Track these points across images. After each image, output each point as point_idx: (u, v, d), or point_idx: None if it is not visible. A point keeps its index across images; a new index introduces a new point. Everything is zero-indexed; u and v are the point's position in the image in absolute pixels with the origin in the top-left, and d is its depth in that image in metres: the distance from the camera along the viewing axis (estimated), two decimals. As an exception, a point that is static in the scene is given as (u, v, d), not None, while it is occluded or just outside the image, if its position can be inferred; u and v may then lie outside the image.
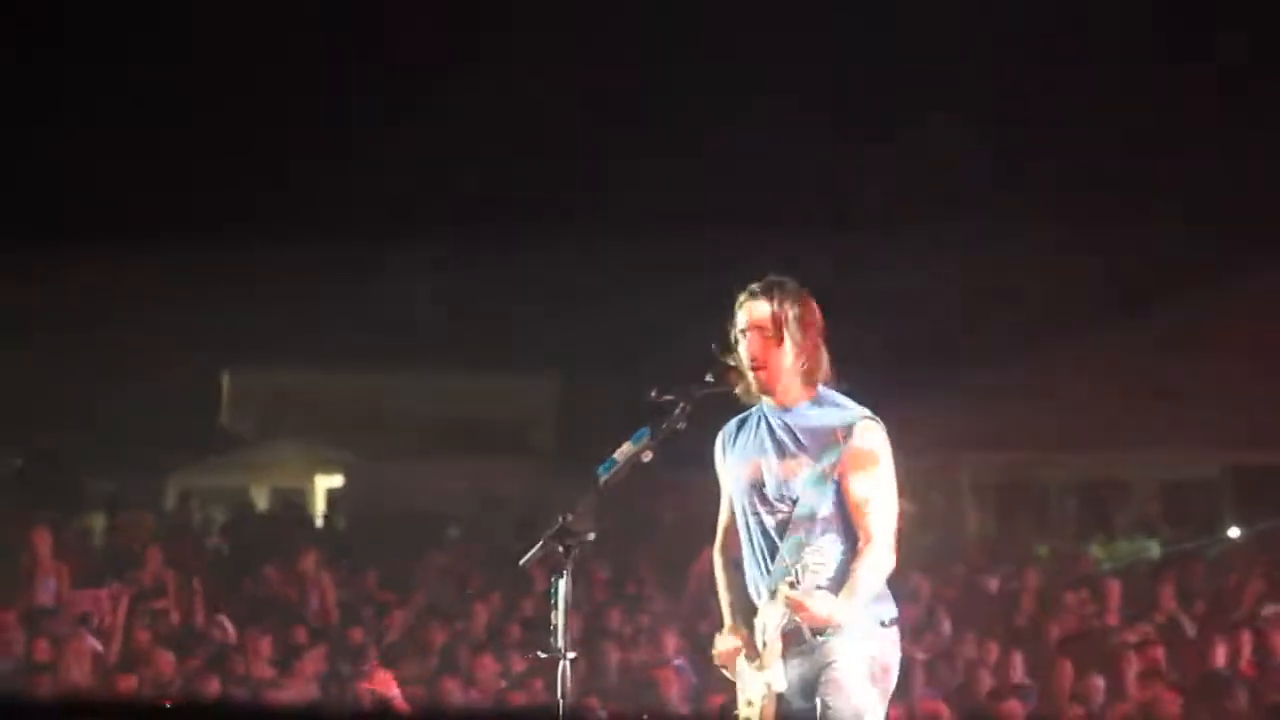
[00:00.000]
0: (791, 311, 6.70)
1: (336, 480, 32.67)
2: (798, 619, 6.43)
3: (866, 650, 6.59)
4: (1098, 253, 29.21)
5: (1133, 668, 14.31)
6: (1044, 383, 25.86)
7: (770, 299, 6.71)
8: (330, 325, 32.76)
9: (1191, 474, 27.54)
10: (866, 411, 6.67)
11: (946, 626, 16.54)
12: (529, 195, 32.90)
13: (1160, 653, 14.89)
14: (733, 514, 6.91)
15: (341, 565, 19.92)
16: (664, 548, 19.47)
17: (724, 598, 6.92)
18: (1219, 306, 25.69)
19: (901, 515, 6.71)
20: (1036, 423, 25.40)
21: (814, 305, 6.78)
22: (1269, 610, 16.82)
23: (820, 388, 6.74)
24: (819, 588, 6.39)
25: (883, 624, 6.65)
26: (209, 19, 30.87)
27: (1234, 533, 22.88)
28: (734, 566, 6.90)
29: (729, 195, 30.59)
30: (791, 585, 6.37)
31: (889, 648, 6.67)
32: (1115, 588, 18.02)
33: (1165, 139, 28.46)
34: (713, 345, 6.80)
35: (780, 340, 6.68)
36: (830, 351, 6.80)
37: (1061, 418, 25.16)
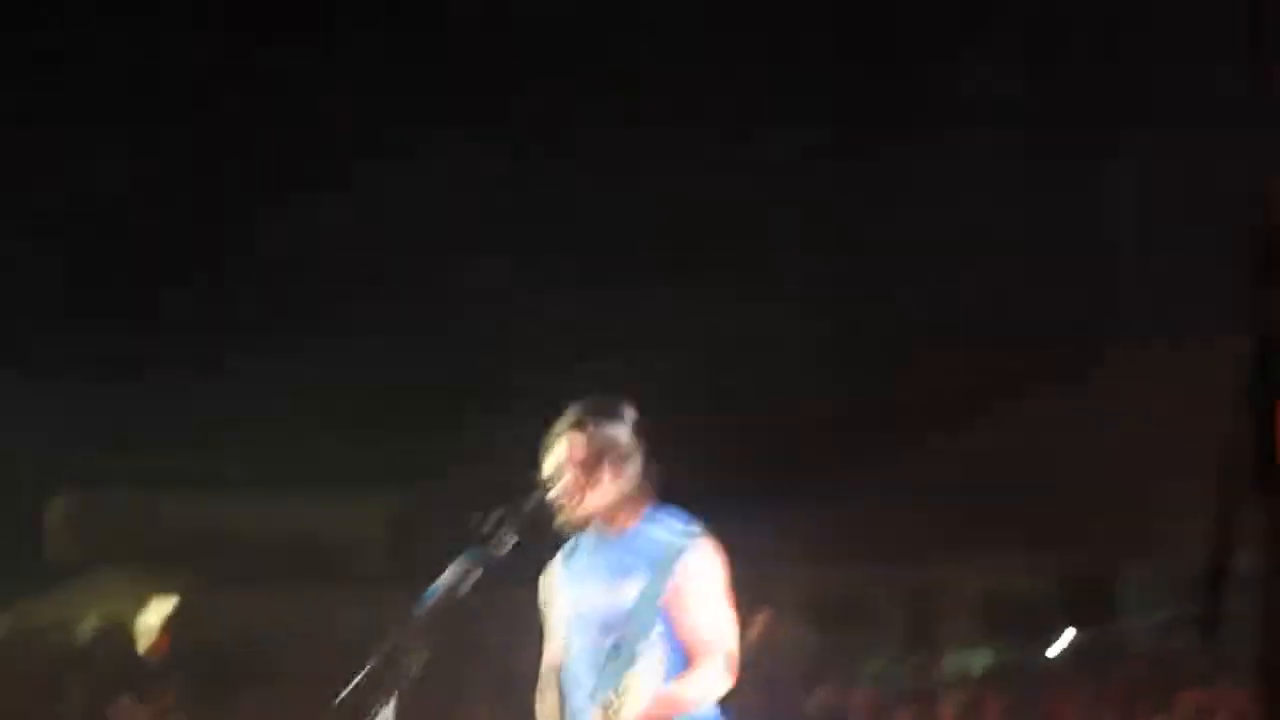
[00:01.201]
0: (610, 437, 6.68)
1: (168, 607, 32.15)
2: None
3: None
4: (913, 369, 29.55)
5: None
6: (865, 493, 26.03)
7: (583, 430, 6.68)
8: (160, 445, 32.37)
9: (1016, 585, 27.79)
10: (698, 529, 6.65)
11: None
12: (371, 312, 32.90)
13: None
14: (551, 647, 6.86)
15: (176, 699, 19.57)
16: (495, 674, 19.40)
17: None
18: (1036, 419, 26.06)
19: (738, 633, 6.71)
20: (860, 535, 25.54)
21: (634, 424, 6.75)
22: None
23: (648, 508, 6.72)
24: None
25: None
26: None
27: (1059, 645, 23.13)
28: (560, 700, 6.85)
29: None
30: (607, 711, 6.36)
31: None
32: (947, 703, 18.15)
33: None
34: (532, 471, 6.78)
35: (600, 472, 6.66)
36: (656, 466, 6.77)
37: (883, 527, 25.31)
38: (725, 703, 6.65)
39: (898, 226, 29.41)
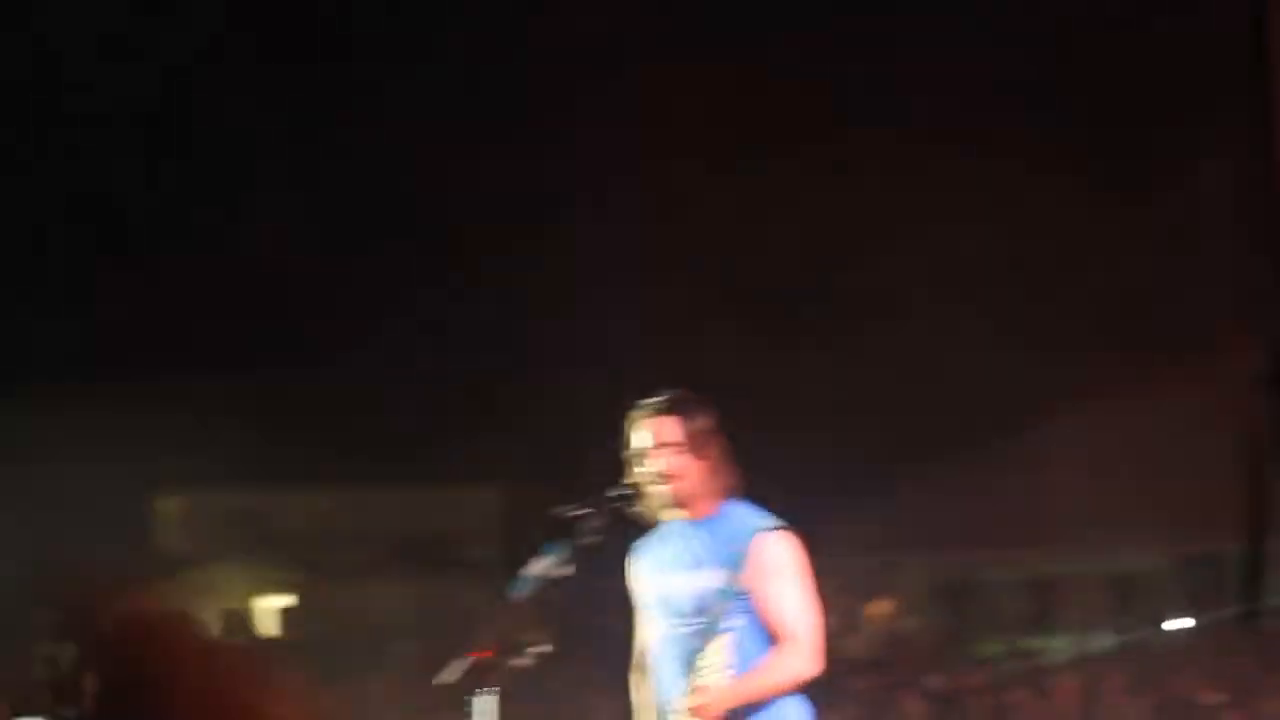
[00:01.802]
0: (699, 425, 6.73)
1: (287, 600, 32.52)
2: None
3: None
4: (1034, 348, 29.45)
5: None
6: (984, 481, 25.94)
7: (675, 413, 6.74)
8: (277, 445, 32.72)
9: (1137, 566, 27.59)
10: (774, 521, 6.68)
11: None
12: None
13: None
14: (643, 631, 6.90)
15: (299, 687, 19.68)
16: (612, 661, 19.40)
17: (644, 717, 6.88)
18: (1156, 399, 25.84)
19: (826, 621, 6.69)
20: (979, 521, 25.44)
21: (716, 419, 6.80)
22: (1210, 699, 16.87)
23: (727, 500, 6.75)
24: None
25: None
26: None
27: (1179, 624, 22.91)
28: (649, 685, 6.87)
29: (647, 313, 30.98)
30: (692, 694, 6.38)
31: None
32: (1065, 681, 18.04)
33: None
34: (622, 458, 6.81)
35: (690, 454, 6.70)
36: (735, 463, 6.81)
37: (1005, 514, 25.21)
38: (813, 686, 6.67)
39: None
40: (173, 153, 33.87)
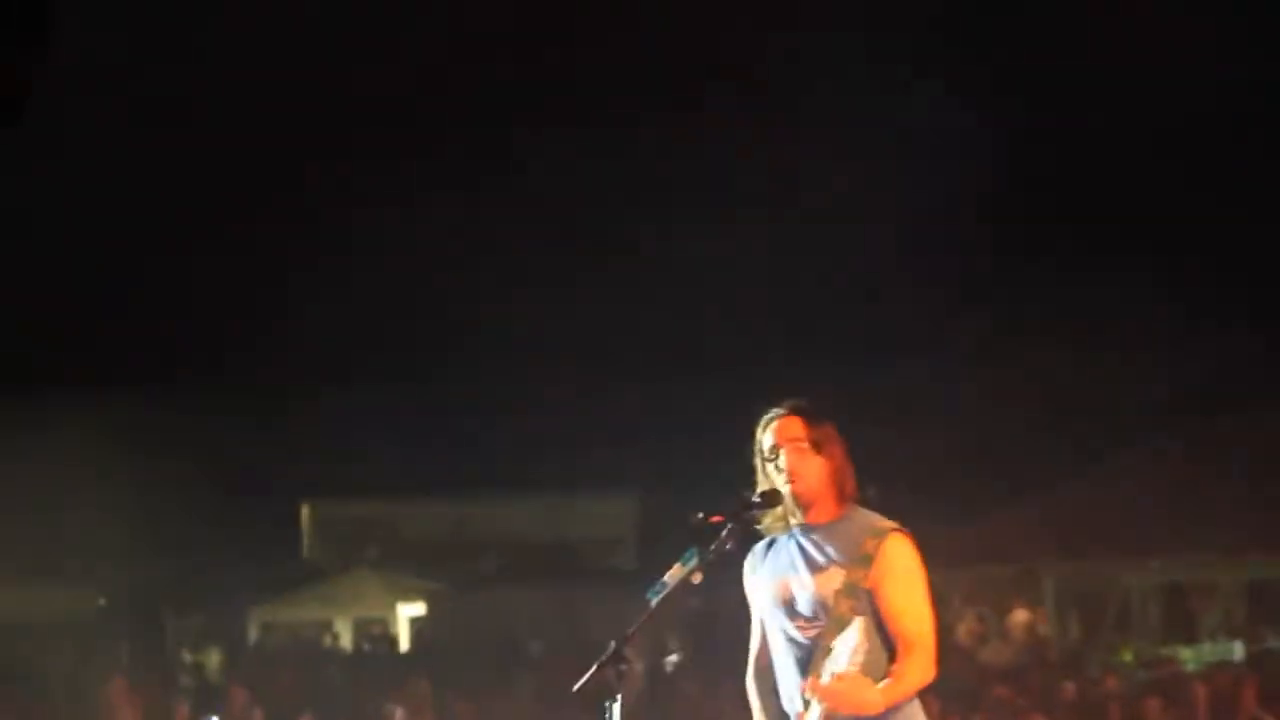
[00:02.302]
0: (823, 428, 6.82)
1: (419, 608, 32.70)
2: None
3: None
4: (1166, 361, 29.26)
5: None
6: (1123, 488, 25.75)
7: (802, 416, 6.84)
8: (409, 455, 32.97)
9: (1275, 573, 27.26)
10: (896, 524, 6.74)
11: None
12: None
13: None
14: (764, 638, 6.96)
15: (434, 696, 19.92)
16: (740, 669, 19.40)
17: None
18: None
19: (937, 625, 6.74)
20: (1117, 528, 25.24)
21: (838, 424, 6.92)
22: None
23: (849, 504, 6.82)
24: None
25: None
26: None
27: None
28: (771, 693, 6.92)
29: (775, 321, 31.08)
30: (820, 696, 6.43)
31: None
32: (1201, 691, 17.87)
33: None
34: (751, 465, 6.88)
35: (816, 454, 6.79)
36: (854, 468, 6.90)
37: (1141, 522, 25.00)
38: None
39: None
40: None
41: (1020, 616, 23.92)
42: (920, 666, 6.63)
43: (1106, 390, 30.08)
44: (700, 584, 6.79)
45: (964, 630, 22.13)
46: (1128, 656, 24.15)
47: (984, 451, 29.51)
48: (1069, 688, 18.97)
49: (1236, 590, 27.32)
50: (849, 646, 6.50)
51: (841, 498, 6.85)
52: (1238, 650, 23.38)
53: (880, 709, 6.57)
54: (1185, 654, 23.04)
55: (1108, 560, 26.48)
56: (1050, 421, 29.81)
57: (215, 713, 15.99)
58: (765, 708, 6.98)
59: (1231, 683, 18.52)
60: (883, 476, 7.21)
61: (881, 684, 6.58)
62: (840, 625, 6.60)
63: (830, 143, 29.75)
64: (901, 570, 6.67)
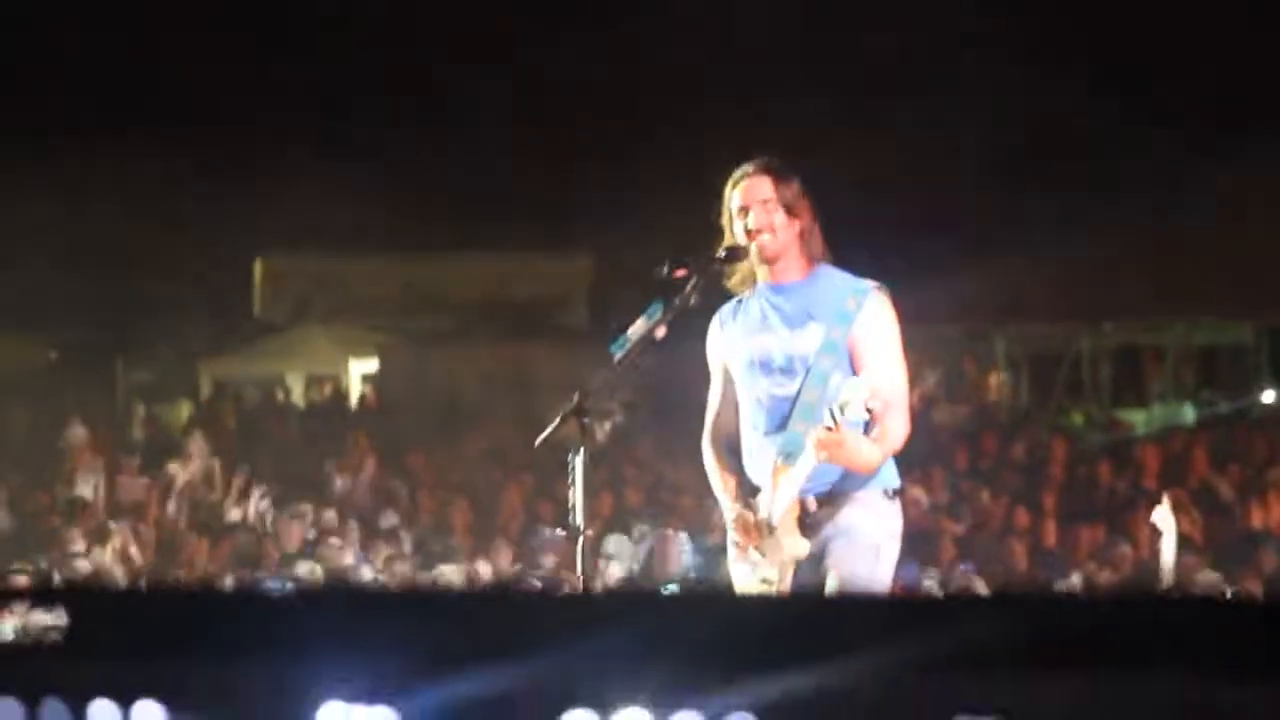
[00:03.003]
0: (792, 186, 6.74)
1: (371, 365, 32.68)
2: (831, 464, 6.46)
3: (873, 521, 6.62)
4: (1124, 121, 29.13)
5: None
6: (1075, 249, 25.70)
7: (771, 174, 6.76)
8: (361, 209, 32.75)
9: (1226, 338, 27.40)
10: (874, 282, 6.68)
11: (985, 496, 16.52)
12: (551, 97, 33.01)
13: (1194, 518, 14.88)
14: (723, 398, 6.93)
15: (382, 449, 19.98)
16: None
17: (726, 483, 6.89)
18: (1249, 168, 25.47)
19: (913, 386, 6.74)
20: (1068, 290, 25.25)
21: (805, 183, 6.85)
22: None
23: (818, 264, 6.77)
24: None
25: (886, 494, 6.64)
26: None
27: (1269, 396, 22.78)
28: (732, 454, 6.89)
29: (729, 66, 30.80)
30: (828, 430, 6.37)
31: (893, 519, 6.67)
32: (1152, 453, 18.00)
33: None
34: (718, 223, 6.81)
35: (784, 212, 6.72)
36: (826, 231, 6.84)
37: (1093, 284, 25.01)
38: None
39: None
40: None
41: (973, 376, 24.08)
42: (900, 425, 6.62)
43: (1063, 154, 29.98)
44: (663, 339, 6.73)
45: (917, 393, 22.22)
46: (1078, 419, 24.32)
47: (940, 211, 29.47)
48: (1018, 449, 19.11)
49: (1187, 354, 27.49)
50: (832, 402, 6.45)
51: (810, 257, 6.79)
52: (1188, 414, 23.56)
53: (876, 464, 6.57)
54: (1136, 417, 23.19)
55: (1059, 322, 26.56)
56: (1006, 182, 29.71)
57: (171, 464, 16.01)
58: (724, 469, 6.94)
59: (1182, 446, 18.68)
60: (836, 234, 7.14)
61: (873, 441, 6.57)
62: (819, 381, 6.55)
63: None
64: (882, 329, 6.62)
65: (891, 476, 6.67)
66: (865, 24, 30.41)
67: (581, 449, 6.60)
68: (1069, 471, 17.86)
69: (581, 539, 6.63)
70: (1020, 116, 29.17)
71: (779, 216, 6.68)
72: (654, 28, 30.64)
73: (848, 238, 7.09)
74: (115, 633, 3.82)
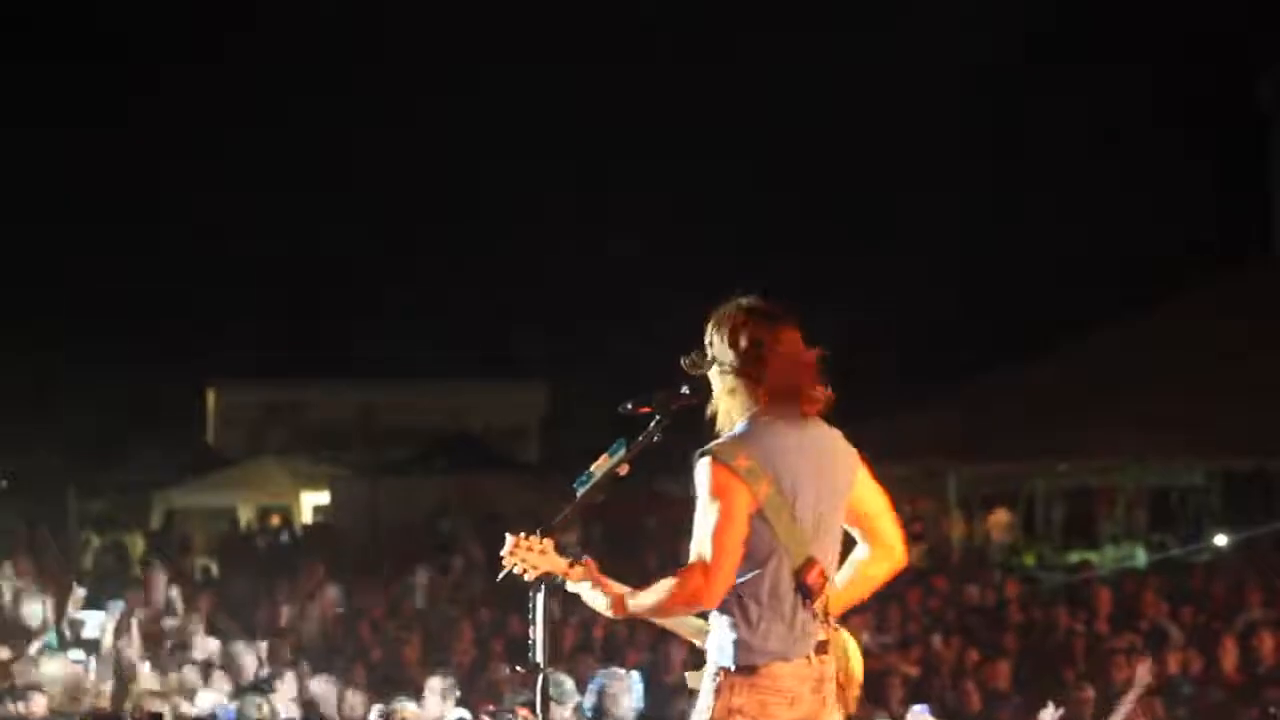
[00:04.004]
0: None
1: (323, 497, 32.56)
2: None
3: (706, 703, 6.38)
4: (1074, 260, 29.45)
5: (1121, 675, 14.27)
6: (1028, 392, 25.84)
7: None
8: (315, 341, 32.79)
9: (1178, 481, 27.51)
10: (713, 445, 6.52)
11: (935, 640, 16.48)
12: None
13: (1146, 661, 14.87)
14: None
15: (337, 580, 19.88)
16: (649, 557, 19.46)
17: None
18: (1199, 311, 25.71)
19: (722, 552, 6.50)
20: (1021, 432, 25.34)
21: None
22: (1257, 616, 16.85)
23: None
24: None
25: (715, 675, 6.41)
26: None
27: (1221, 540, 22.86)
28: None
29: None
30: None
31: (724, 698, 6.37)
32: (1104, 595, 18.01)
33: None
34: (682, 358, 6.71)
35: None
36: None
37: (1048, 426, 25.09)
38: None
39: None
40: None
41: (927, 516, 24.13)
42: (679, 584, 6.34)
43: (1016, 292, 30.24)
44: (625, 476, 6.72)
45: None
46: (1030, 560, 24.38)
47: (895, 349, 29.67)
48: (972, 591, 19.11)
49: (1138, 496, 27.56)
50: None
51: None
52: (1139, 555, 23.62)
53: (604, 609, 6.52)
54: (1088, 558, 23.21)
55: (1012, 462, 26.62)
56: (960, 320, 29.95)
57: (123, 596, 15.84)
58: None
59: (1134, 587, 18.70)
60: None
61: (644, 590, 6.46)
62: None
63: None
64: (698, 493, 6.52)
65: (724, 656, 6.38)
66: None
67: (543, 586, 6.55)
68: (1023, 612, 17.85)
69: (542, 677, 6.57)
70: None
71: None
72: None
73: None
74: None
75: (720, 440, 6.41)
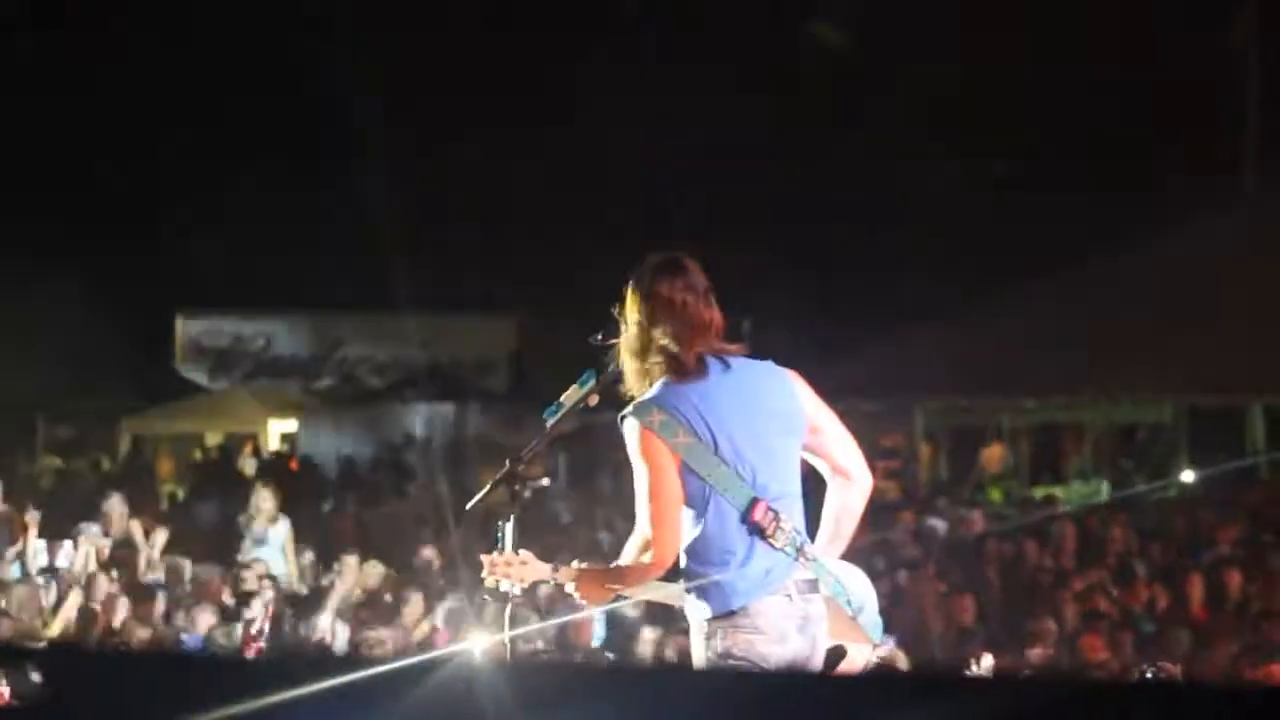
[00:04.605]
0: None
1: (291, 425, 32.53)
2: None
3: (699, 655, 6.47)
4: (1051, 192, 29.44)
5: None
6: (998, 326, 25.86)
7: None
8: (287, 267, 32.69)
9: (1145, 417, 27.57)
10: (627, 408, 6.53)
11: (901, 575, 16.52)
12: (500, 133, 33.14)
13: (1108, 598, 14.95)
14: None
15: (302, 510, 19.83)
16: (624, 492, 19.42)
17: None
18: (1172, 248, 25.73)
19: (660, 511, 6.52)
20: (990, 366, 25.37)
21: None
22: (1225, 552, 16.93)
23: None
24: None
25: (699, 627, 6.49)
26: None
27: (1188, 476, 22.94)
28: None
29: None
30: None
31: (713, 645, 6.44)
32: (1069, 531, 18.06)
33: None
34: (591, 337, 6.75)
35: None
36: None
37: (1015, 361, 25.14)
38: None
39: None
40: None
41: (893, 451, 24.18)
42: (634, 554, 6.50)
43: (983, 228, 30.26)
44: (594, 407, 6.75)
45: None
46: (996, 495, 24.45)
47: (861, 286, 29.67)
48: (937, 525, 19.15)
49: (1106, 433, 27.63)
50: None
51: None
52: (1106, 491, 23.69)
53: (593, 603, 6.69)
54: (1054, 493, 23.26)
55: (980, 397, 26.68)
56: (929, 258, 29.96)
57: (88, 521, 15.76)
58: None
59: (1099, 523, 18.75)
60: (757, 309, 7.12)
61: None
62: None
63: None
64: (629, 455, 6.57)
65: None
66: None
67: (511, 516, 6.58)
68: (991, 547, 17.90)
69: (509, 606, 6.61)
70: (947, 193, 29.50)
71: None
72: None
73: (767, 311, 7.07)
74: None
75: (637, 400, 6.47)
